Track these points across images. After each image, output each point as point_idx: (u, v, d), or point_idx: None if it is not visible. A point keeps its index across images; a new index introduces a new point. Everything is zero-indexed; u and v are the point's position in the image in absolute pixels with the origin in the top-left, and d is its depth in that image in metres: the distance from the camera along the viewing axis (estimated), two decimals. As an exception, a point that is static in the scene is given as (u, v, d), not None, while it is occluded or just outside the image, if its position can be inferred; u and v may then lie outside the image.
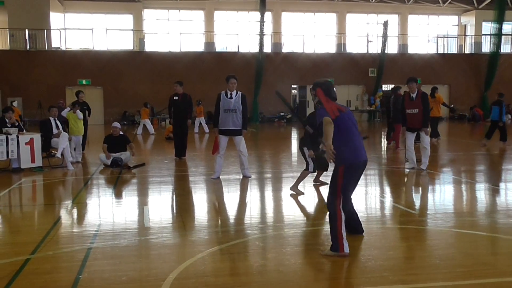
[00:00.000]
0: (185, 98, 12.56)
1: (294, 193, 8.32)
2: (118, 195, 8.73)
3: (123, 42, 31.63)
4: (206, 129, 22.54)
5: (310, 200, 8.12)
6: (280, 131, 25.29)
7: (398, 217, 7.00)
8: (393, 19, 33.96)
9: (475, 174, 11.10)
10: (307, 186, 8.92)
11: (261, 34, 29.67)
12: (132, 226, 6.55)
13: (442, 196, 8.77)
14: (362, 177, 5.65)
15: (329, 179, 5.33)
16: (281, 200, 8.18)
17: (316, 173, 8.98)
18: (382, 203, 8.00)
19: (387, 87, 32.40)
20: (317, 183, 9.05)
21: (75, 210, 7.53)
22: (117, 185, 9.44)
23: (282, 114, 30.60)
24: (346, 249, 5.02)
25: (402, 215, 7.05)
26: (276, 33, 32.51)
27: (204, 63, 30.31)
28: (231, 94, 9.48)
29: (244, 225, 6.62)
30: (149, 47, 31.51)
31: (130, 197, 8.63)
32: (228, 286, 4.40)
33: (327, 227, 6.14)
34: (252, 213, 7.45)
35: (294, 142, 19.95)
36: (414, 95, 10.54)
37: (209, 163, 12.37)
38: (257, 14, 29.92)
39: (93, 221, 6.82)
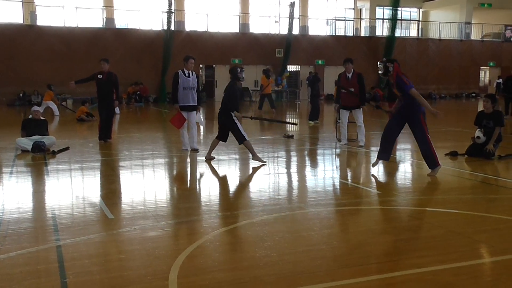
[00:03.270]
0: (110, 77, 11.60)
1: (258, 163, 8.97)
2: (57, 183, 7.83)
3: (11, 15, 28.86)
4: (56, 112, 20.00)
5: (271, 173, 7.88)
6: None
7: (365, 198, 6.96)
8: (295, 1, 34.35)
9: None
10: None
11: (169, 12, 28.58)
12: (93, 218, 5.85)
13: (401, 175, 8.64)
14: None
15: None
16: (248, 177, 7.87)
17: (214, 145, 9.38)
18: (342, 183, 7.95)
19: (292, 67, 32.96)
20: (211, 158, 9.34)
21: (12, 202, 6.58)
22: (50, 172, 8.49)
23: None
24: (439, 162, 7.86)
25: (367, 195, 7.03)
26: (179, 10, 31.49)
27: (104, 40, 28.61)
28: (188, 73, 10.21)
29: (225, 210, 6.14)
30: (42, 21, 29.08)
31: (72, 186, 7.77)
32: (242, 280, 4.02)
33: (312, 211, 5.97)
34: (227, 196, 7.01)
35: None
36: (350, 75, 11.02)
37: (138, 145, 11.67)
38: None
39: (43, 214, 5.97)
